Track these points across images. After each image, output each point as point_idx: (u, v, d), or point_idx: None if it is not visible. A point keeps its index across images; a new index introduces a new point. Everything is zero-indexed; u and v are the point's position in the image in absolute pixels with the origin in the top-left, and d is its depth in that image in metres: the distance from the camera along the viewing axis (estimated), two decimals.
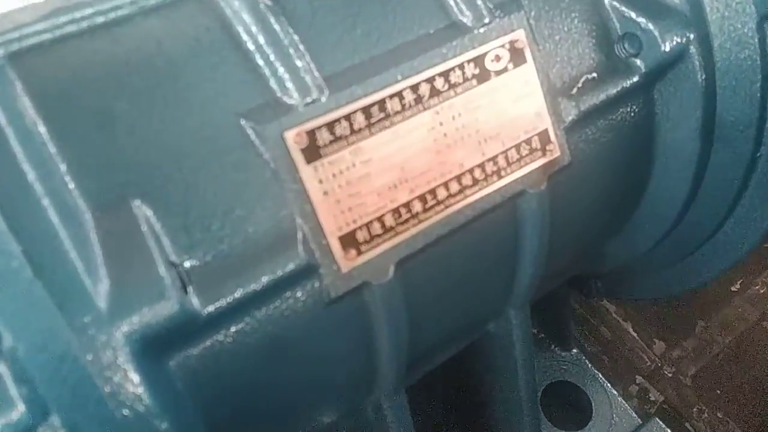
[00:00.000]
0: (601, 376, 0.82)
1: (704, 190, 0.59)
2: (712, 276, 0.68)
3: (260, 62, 0.40)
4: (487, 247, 0.50)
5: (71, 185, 0.35)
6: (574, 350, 0.85)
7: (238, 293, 0.38)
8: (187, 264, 0.38)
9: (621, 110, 0.53)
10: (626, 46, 0.51)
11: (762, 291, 0.99)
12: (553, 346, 0.84)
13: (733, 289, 0.99)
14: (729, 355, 0.93)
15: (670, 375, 0.90)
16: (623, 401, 0.81)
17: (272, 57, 0.40)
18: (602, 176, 0.55)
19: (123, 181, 0.37)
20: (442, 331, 0.54)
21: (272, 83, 0.40)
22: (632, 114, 0.54)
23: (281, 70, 0.40)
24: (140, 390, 0.34)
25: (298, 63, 0.41)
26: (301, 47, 0.41)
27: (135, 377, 0.34)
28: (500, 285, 0.54)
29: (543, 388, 0.80)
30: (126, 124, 0.37)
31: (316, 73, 0.41)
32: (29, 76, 0.36)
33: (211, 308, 0.38)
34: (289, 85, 0.40)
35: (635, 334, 0.93)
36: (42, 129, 0.36)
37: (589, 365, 0.82)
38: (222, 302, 0.38)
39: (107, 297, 0.34)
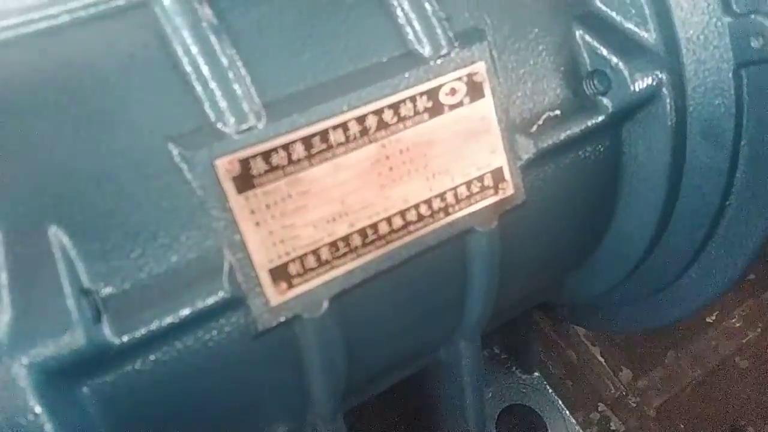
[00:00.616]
0: (560, 402, 0.81)
1: (669, 234, 0.58)
2: (672, 319, 0.67)
3: (196, 85, 0.39)
4: (433, 284, 0.49)
5: None
6: (536, 373, 0.83)
7: (155, 325, 0.37)
8: (103, 291, 0.37)
9: (584, 149, 0.52)
10: (595, 83, 0.50)
11: (738, 325, 0.97)
12: (514, 368, 0.83)
13: (708, 320, 0.97)
14: (697, 389, 0.91)
15: (634, 405, 0.89)
16: (581, 430, 0.80)
17: (209, 80, 0.39)
18: (560, 215, 0.53)
19: (39, 205, 0.36)
20: (384, 361, 0.53)
21: (207, 107, 0.39)
22: (596, 153, 0.52)
23: (218, 94, 0.39)
24: (42, 419, 0.33)
25: (236, 87, 0.39)
26: (242, 70, 0.39)
27: (36, 407, 0.33)
28: (448, 319, 0.53)
29: (500, 410, 0.79)
30: (46, 144, 0.36)
31: (256, 99, 0.39)
32: None
33: (125, 338, 0.36)
34: (225, 110, 0.39)
35: (602, 360, 0.91)
36: None
37: (550, 390, 0.81)
38: (137, 333, 0.37)
39: (7, 327, 0.33)
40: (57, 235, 0.35)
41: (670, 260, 0.59)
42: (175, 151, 0.38)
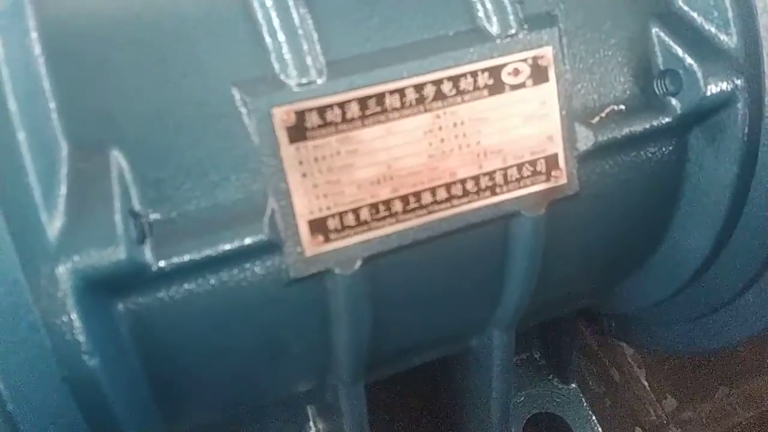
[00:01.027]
0: (595, 419, 0.78)
1: (728, 252, 0.55)
2: (726, 343, 0.64)
3: (266, 36, 0.40)
4: (472, 263, 0.49)
5: (55, 122, 0.37)
6: (573, 385, 0.81)
7: (193, 255, 0.39)
8: (151, 216, 0.39)
9: (648, 149, 0.50)
10: (666, 83, 0.48)
11: None
12: (551, 376, 0.81)
13: None
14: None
15: None
16: None
17: (279, 32, 0.40)
18: (615, 214, 0.52)
19: (106, 127, 0.38)
20: (413, 337, 0.54)
21: (273, 58, 0.40)
22: (660, 155, 0.51)
23: (285, 47, 0.40)
24: (76, 324, 0.35)
25: (303, 43, 0.40)
26: (311, 28, 0.41)
27: (72, 312, 0.35)
28: (483, 303, 0.53)
29: (530, 416, 0.78)
30: (120, 74, 0.38)
31: (320, 56, 0.41)
32: (44, 14, 0.38)
33: (163, 263, 0.38)
34: (289, 63, 0.40)
35: (647, 384, 0.88)
36: (42, 67, 0.37)
37: (585, 405, 0.79)
38: (176, 260, 0.38)
39: (59, 233, 0.35)
40: (117, 158, 0.38)
41: (728, 280, 0.57)
42: (237, 96, 0.39)
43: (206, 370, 0.45)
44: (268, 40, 0.40)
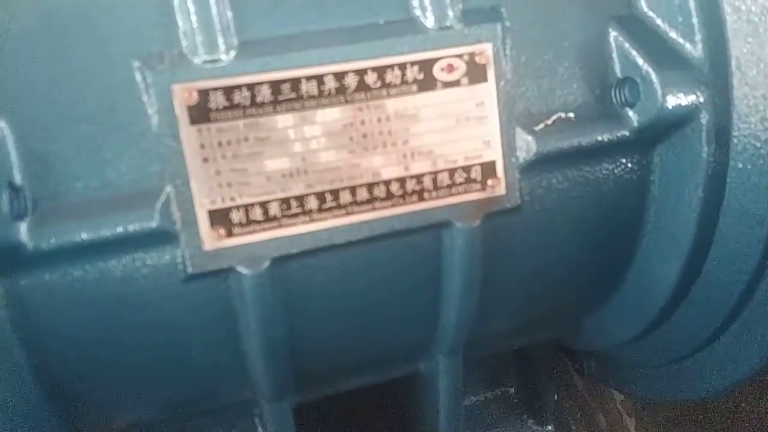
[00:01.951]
0: None
1: (698, 287, 0.50)
2: (712, 392, 0.57)
3: (177, 12, 0.38)
4: (401, 275, 0.45)
5: None
6: (550, 427, 0.75)
7: (75, 237, 0.36)
8: (33, 192, 0.36)
9: (603, 165, 0.46)
10: (624, 92, 0.44)
11: None
12: (526, 416, 0.76)
13: None
14: None
15: None
16: None
17: (190, 8, 0.38)
18: (565, 235, 0.47)
19: None
20: (345, 355, 0.50)
21: (180, 34, 0.38)
22: (619, 173, 0.46)
23: (195, 23, 0.38)
24: None
25: (215, 19, 0.38)
26: (226, 5, 0.38)
27: None
28: (420, 322, 0.49)
29: None
30: (17, 41, 0.36)
31: (233, 35, 0.38)
32: None
33: (43, 243, 0.36)
34: (198, 39, 0.38)
35: None
36: None
37: None
38: (54, 241, 0.36)
39: None
40: (4, 129, 0.36)
41: (701, 318, 0.51)
42: (136, 68, 0.37)
43: (101, 367, 0.42)
44: (178, 14, 0.38)
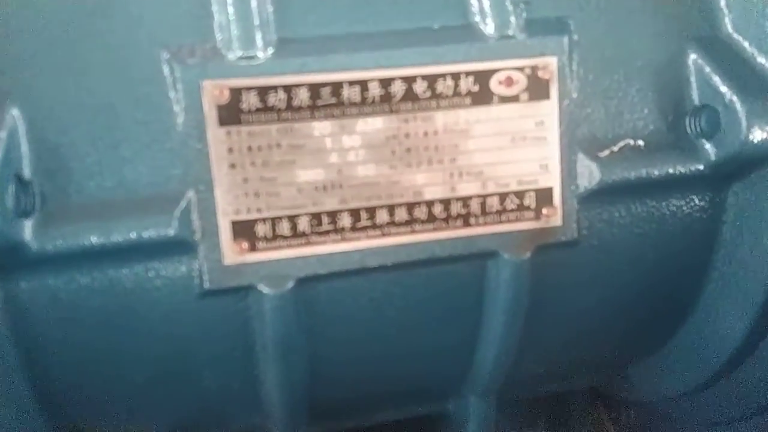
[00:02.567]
0: None
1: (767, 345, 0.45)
2: None
3: (214, 2, 0.35)
4: (437, 307, 0.41)
5: None
6: None
7: (84, 241, 0.33)
8: (43, 188, 0.33)
9: (671, 200, 0.41)
10: (700, 121, 0.39)
11: None
12: None
13: None
14: None
15: None
16: None
17: None
18: (623, 275, 0.43)
19: (6, 74, 0.33)
20: (368, 387, 0.45)
21: (215, 24, 0.35)
22: (687, 210, 0.42)
23: (232, 15, 0.34)
24: None
25: (255, 13, 0.35)
26: None
27: None
28: (452, 358, 0.44)
29: None
30: (35, 24, 0.34)
31: (272, 30, 0.35)
32: None
33: (48, 245, 0.32)
34: (234, 33, 0.34)
35: None
36: None
37: None
38: (61, 244, 0.33)
39: None
40: (12, 112, 0.33)
41: (765, 379, 0.46)
42: (165, 60, 0.34)
43: (105, 381, 0.39)
44: (213, 4, 0.35)
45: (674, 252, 0.43)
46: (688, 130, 0.40)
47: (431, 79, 0.36)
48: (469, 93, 0.37)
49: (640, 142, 0.39)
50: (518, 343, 0.42)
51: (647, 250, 0.42)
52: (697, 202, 0.41)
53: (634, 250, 0.42)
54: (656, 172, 0.39)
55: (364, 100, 0.36)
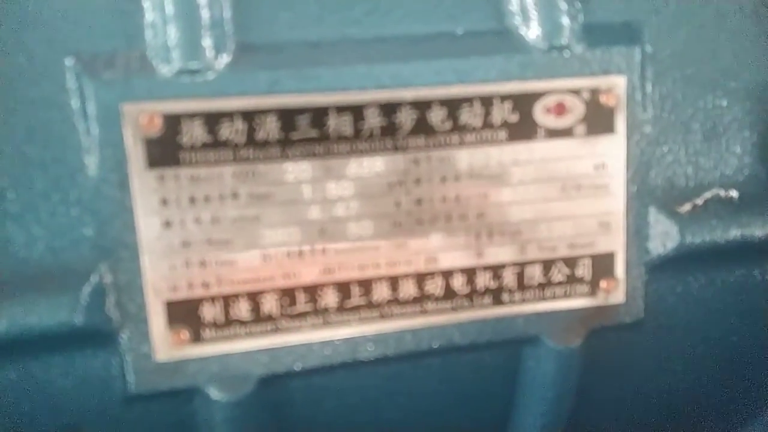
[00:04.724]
0: None
1: None
2: None
3: None
4: (455, 407, 0.30)
5: None
6: None
7: None
8: None
9: (765, 268, 0.31)
10: None
11: None
12: None
13: None
14: None
15: None
16: None
17: None
18: (695, 360, 0.32)
19: None
20: None
21: (145, 23, 0.24)
22: None
23: (169, 8, 0.24)
24: None
25: (202, 5, 0.24)
26: None
27: None
28: None
29: None
30: None
31: (228, 32, 0.24)
32: None
33: None
34: (171, 35, 0.24)
35: None
36: None
37: None
38: None
39: None
40: None
41: None
42: (70, 73, 0.24)
43: None
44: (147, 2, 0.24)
45: (761, 330, 0.33)
46: None
47: (453, 105, 0.26)
48: (504, 124, 0.26)
49: (733, 193, 0.29)
50: None
51: (729, 329, 0.32)
52: None
53: (713, 330, 0.32)
54: (754, 234, 0.29)
55: (358, 134, 0.25)
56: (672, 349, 0.32)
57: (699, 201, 0.29)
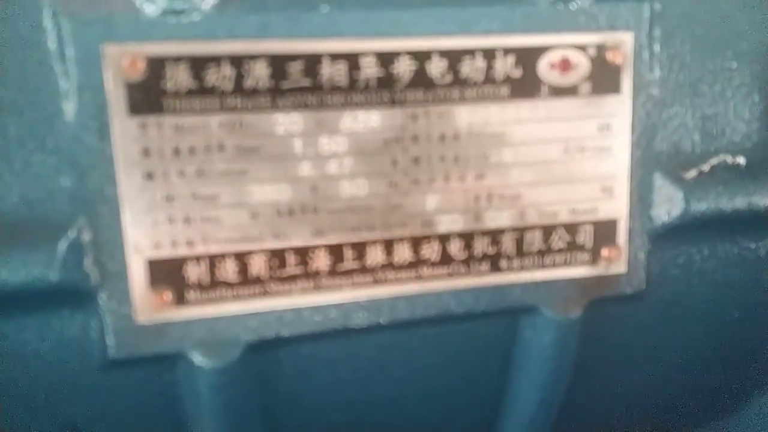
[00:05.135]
0: None
1: None
2: None
3: None
4: (450, 378, 0.29)
5: None
6: None
7: None
8: None
9: None
10: None
11: None
12: None
13: None
14: None
15: None
16: None
17: None
18: (697, 334, 0.31)
19: None
20: None
21: None
22: None
23: None
24: None
25: None
26: None
27: None
28: None
29: None
30: None
31: None
32: None
33: None
34: None
35: None
36: None
37: None
38: None
39: None
40: None
41: None
42: (47, 12, 0.22)
43: None
44: None
45: (764, 306, 0.32)
46: None
47: (453, 57, 0.24)
48: (507, 79, 0.25)
49: (740, 160, 0.28)
50: (552, 420, 0.31)
51: (731, 303, 0.31)
52: None
53: (715, 305, 0.31)
54: (760, 203, 0.28)
55: (353, 84, 0.24)
56: (672, 323, 0.31)
57: (705, 167, 0.28)
